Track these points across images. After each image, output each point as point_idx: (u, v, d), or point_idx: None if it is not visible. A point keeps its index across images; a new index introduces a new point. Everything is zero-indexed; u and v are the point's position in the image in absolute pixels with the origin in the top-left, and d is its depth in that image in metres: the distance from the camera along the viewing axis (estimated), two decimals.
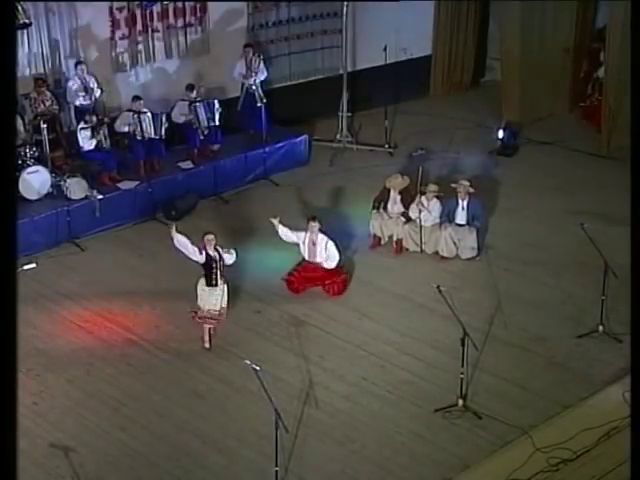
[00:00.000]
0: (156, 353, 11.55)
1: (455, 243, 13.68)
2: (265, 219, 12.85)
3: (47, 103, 14.93)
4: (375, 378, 11.09)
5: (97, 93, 15.41)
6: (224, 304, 11.50)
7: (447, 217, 13.68)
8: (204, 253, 11.25)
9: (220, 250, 11.38)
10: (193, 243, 11.36)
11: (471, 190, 13.58)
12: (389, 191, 13.96)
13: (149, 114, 15.01)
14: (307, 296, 12.72)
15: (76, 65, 15.33)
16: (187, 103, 15.59)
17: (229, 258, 11.50)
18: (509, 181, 16.38)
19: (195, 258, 11.31)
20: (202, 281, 11.42)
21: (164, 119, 15.21)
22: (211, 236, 11.28)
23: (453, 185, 13.71)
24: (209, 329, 11.61)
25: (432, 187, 13.75)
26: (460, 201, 13.59)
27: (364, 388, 10.92)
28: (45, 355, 11.43)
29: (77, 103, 15.32)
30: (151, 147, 15.15)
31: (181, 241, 11.35)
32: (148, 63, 16.44)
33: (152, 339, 11.82)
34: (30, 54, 15.03)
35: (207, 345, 11.62)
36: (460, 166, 16.85)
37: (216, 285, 11.34)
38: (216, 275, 11.30)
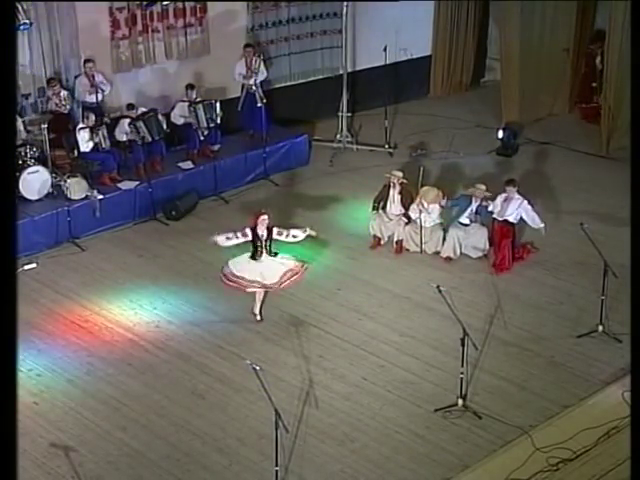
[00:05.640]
0: (156, 353, 11.55)
1: (461, 245, 13.68)
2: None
3: (58, 102, 14.96)
4: (375, 378, 11.09)
5: (106, 90, 15.43)
6: (274, 279, 11.88)
7: (471, 216, 13.61)
8: (251, 231, 11.79)
9: (274, 230, 11.89)
10: (233, 232, 11.86)
11: (488, 194, 13.47)
12: (389, 189, 13.95)
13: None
14: (307, 296, 12.72)
15: (85, 63, 15.33)
16: (187, 104, 15.59)
17: (299, 237, 12.17)
18: None
19: (244, 240, 11.87)
20: (248, 253, 11.96)
21: (164, 121, 15.23)
22: (265, 216, 11.89)
23: (470, 190, 13.65)
24: (261, 301, 12.14)
25: (431, 195, 13.67)
26: (474, 203, 13.54)
27: (364, 388, 10.92)
28: (45, 355, 11.43)
29: (85, 100, 15.33)
30: (151, 148, 15.15)
31: (222, 240, 11.95)
32: (148, 63, 16.43)
33: (152, 339, 11.82)
34: (30, 54, 15.02)
35: (258, 317, 12.14)
36: (460, 166, 16.86)
37: (258, 259, 11.87)
38: (260, 251, 11.88)
